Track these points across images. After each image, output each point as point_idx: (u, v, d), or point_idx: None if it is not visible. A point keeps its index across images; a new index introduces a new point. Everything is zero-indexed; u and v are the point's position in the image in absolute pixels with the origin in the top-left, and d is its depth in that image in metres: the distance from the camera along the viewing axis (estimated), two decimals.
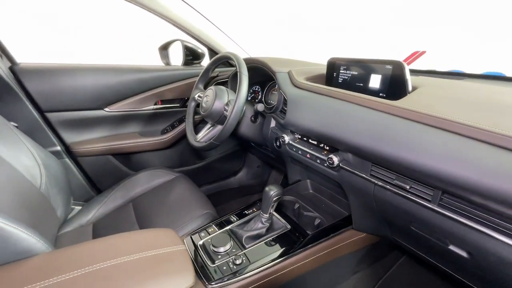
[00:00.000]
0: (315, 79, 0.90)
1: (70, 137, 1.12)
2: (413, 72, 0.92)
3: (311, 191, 1.00)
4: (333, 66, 0.85)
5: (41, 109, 1.03)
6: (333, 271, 0.84)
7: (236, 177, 1.64)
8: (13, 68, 0.98)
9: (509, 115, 0.45)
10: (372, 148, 0.56)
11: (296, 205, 0.88)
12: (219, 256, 0.65)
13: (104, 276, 0.49)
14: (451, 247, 0.52)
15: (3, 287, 0.46)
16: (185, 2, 1.14)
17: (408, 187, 0.53)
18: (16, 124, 0.92)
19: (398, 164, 0.52)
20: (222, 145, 1.46)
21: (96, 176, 1.20)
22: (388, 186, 0.57)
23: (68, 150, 1.12)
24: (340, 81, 0.85)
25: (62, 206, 0.91)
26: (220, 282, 0.59)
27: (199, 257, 0.66)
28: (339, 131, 0.64)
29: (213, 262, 0.64)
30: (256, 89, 1.24)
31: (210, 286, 0.58)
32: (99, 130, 1.19)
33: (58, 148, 1.09)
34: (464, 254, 0.51)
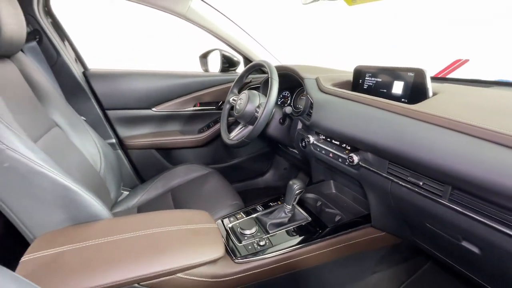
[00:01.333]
0: (342, 85, 0.96)
1: (123, 132, 1.31)
2: (439, 79, 0.94)
3: (334, 191, 1.05)
4: (360, 73, 0.91)
5: (103, 107, 1.23)
6: (352, 267, 0.87)
7: (263, 178, 1.73)
8: (85, 73, 1.19)
9: None
10: (388, 147, 0.61)
11: (319, 203, 0.94)
12: (245, 238, 0.74)
13: (153, 238, 0.61)
14: (464, 243, 0.55)
15: (79, 239, 0.59)
16: (224, 15, 1.28)
17: (421, 183, 0.57)
18: (84, 118, 1.11)
19: (410, 161, 0.56)
20: (252, 146, 1.57)
21: (141, 167, 1.38)
22: (403, 183, 0.61)
23: (121, 143, 1.31)
24: (366, 87, 0.90)
25: (114, 190, 1.07)
26: (245, 258, 0.68)
27: (228, 237, 0.75)
28: (360, 131, 0.70)
29: (240, 242, 0.72)
30: (286, 94, 1.32)
31: (237, 260, 0.67)
32: (146, 127, 1.36)
33: (114, 140, 1.28)
34: (475, 250, 0.53)
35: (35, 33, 1.01)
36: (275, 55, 1.47)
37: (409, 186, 0.60)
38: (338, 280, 0.86)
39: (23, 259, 0.55)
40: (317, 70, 1.12)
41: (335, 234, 0.77)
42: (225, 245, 0.71)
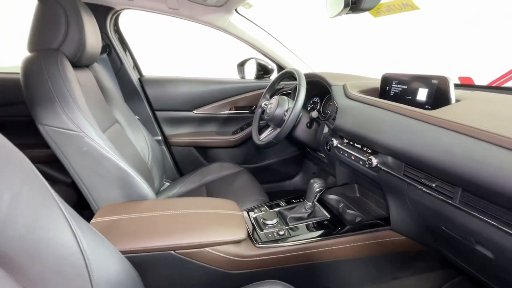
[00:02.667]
0: (369, 92, 1.00)
1: (168, 130, 1.49)
2: (471, 87, 0.92)
3: (358, 195, 1.07)
4: (387, 80, 0.94)
5: (153, 108, 1.43)
6: (370, 268, 0.89)
7: (292, 181, 1.78)
8: (141, 79, 1.40)
9: None
10: (404, 150, 0.65)
11: (341, 204, 0.98)
12: (267, 227, 0.82)
13: (188, 217, 0.72)
14: (478, 247, 0.56)
15: (130, 212, 0.73)
16: (260, 27, 1.39)
17: (434, 185, 0.59)
18: (138, 117, 1.30)
19: (423, 163, 0.59)
20: (282, 149, 1.65)
21: (181, 162, 1.54)
22: (417, 185, 0.64)
23: (165, 140, 1.49)
24: (392, 94, 0.93)
25: (158, 180, 1.24)
26: (265, 244, 0.75)
27: (251, 224, 0.84)
28: (379, 135, 0.74)
29: (262, 230, 0.81)
30: (316, 100, 1.38)
31: (257, 245, 0.75)
32: (188, 127, 1.53)
33: (160, 137, 1.46)
34: (489, 254, 0.54)
35: (106, 47, 1.24)
36: (307, 62, 1.54)
37: (423, 188, 0.62)
38: (355, 279, 0.89)
39: (90, 222, 0.70)
40: (346, 77, 1.17)
41: (352, 232, 0.81)
42: (248, 231, 0.79)
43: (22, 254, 0.38)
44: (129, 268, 0.55)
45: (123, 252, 0.55)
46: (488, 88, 0.87)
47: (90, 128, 0.74)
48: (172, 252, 0.66)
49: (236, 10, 1.25)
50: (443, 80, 0.72)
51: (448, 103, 0.70)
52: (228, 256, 0.70)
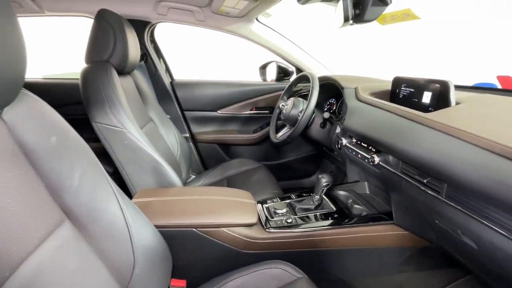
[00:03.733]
0: (379, 94, 1.05)
1: (195, 128, 1.65)
2: (480, 89, 0.93)
3: (367, 192, 1.12)
4: (397, 83, 0.99)
5: (182, 108, 1.60)
6: (375, 259, 0.95)
7: (309, 179, 1.86)
8: (172, 82, 1.57)
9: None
10: (400, 148, 0.71)
11: (349, 200, 1.05)
12: (277, 215, 0.92)
13: (208, 202, 0.85)
14: (464, 239, 0.61)
15: (161, 195, 0.88)
16: (279, 33, 1.49)
17: (425, 181, 0.65)
18: (169, 116, 1.47)
19: (415, 160, 0.65)
20: (300, 148, 1.73)
21: (206, 157, 1.70)
22: (412, 181, 0.70)
23: (192, 137, 1.65)
24: (401, 97, 0.97)
25: (185, 172, 1.39)
26: (274, 229, 0.86)
27: (263, 213, 0.95)
28: (380, 134, 0.80)
29: (272, 218, 0.91)
30: (332, 101, 1.45)
31: (267, 230, 0.85)
32: (212, 125, 1.68)
33: (187, 135, 1.63)
34: (473, 245, 0.59)
35: (144, 56, 1.42)
36: (325, 65, 1.60)
37: (416, 183, 0.68)
38: (359, 269, 0.95)
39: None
40: (360, 80, 1.22)
41: (356, 224, 0.88)
42: (259, 217, 0.90)
43: (85, 216, 0.53)
44: (160, 238, 0.69)
45: (156, 226, 0.69)
46: (497, 90, 0.89)
47: (131, 125, 0.90)
48: (194, 229, 0.79)
49: (256, 19, 1.37)
50: (444, 84, 0.77)
51: (448, 106, 0.75)
52: (241, 237, 0.82)
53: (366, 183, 1.13)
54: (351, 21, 0.76)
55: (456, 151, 0.56)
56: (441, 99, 0.78)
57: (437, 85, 0.79)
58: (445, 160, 0.58)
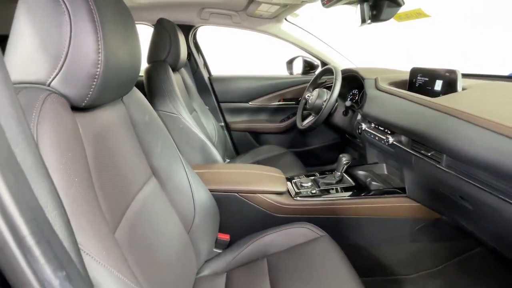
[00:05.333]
0: (398, 84, 1.16)
1: (229, 118, 1.86)
2: (487, 77, 1.02)
3: (386, 173, 1.25)
4: (414, 73, 1.10)
5: (218, 100, 1.81)
6: (390, 229, 1.08)
7: (333, 166, 1.99)
8: (210, 77, 1.79)
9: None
10: (410, 128, 0.84)
11: (368, 178, 1.18)
12: (303, 187, 1.09)
13: (249, 174, 1.05)
14: (462, 202, 0.74)
15: (208, 168, 1.09)
16: (306, 30, 1.63)
17: (429, 154, 0.78)
18: (208, 107, 1.69)
19: (421, 137, 0.78)
20: (325, 136, 1.87)
21: (238, 144, 1.91)
22: (419, 155, 0.83)
23: (227, 126, 1.87)
24: (417, 86, 1.08)
25: (221, 156, 1.61)
26: (300, 197, 1.03)
27: (291, 186, 1.12)
28: (394, 117, 0.94)
29: (299, 189, 1.08)
30: (355, 92, 1.56)
31: (294, 198, 1.03)
32: (244, 115, 1.88)
33: (223, 124, 1.84)
34: (469, 206, 0.72)
35: (188, 55, 1.65)
36: (349, 57, 1.72)
37: (423, 157, 0.81)
38: (376, 236, 1.09)
39: None
40: (380, 71, 1.33)
41: (372, 196, 1.02)
42: (288, 188, 1.08)
43: (164, 175, 0.74)
44: (212, 199, 0.89)
45: (209, 190, 0.90)
46: (504, 77, 0.97)
47: (184, 112, 1.12)
48: (237, 194, 0.99)
49: (285, 19, 1.52)
50: (453, 72, 0.88)
51: (455, 91, 0.86)
52: (273, 202, 1.00)
53: (384, 164, 1.25)
54: (369, 21, 0.89)
55: (452, 127, 0.69)
56: (450, 86, 0.89)
57: (447, 74, 0.90)
58: (444, 134, 0.71)
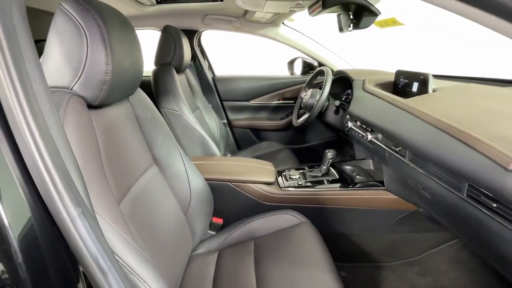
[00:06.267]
0: (384, 85, 1.25)
1: (231, 116, 1.99)
2: (459, 78, 1.09)
3: (371, 168, 1.34)
4: (398, 75, 1.18)
5: (221, 99, 1.94)
6: (371, 219, 1.16)
7: None
8: (213, 78, 1.92)
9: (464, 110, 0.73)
10: (382, 126, 0.93)
11: (354, 173, 1.28)
12: (290, 179, 1.20)
13: (242, 165, 1.17)
14: (423, 192, 0.83)
15: (206, 160, 1.22)
16: (303, 34, 1.72)
17: (397, 149, 0.87)
18: (211, 105, 1.83)
19: (388, 133, 0.88)
20: (322, 134, 1.96)
21: (239, 140, 2.03)
22: (389, 150, 0.92)
23: (229, 123, 1.99)
24: (400, 87, 1.17)
25: (223, 151, 1.73)
26: (287, 188, 1.14)
27: (280, 177, 1.23)
28: (371, 116, 1.03)
29: (287, 180, 1.19)
30: (349, 92, 1.65)
31: (282, 188, 1.14)
32: (245, 113, 2.00)
33: (225, 121, 1.97)
34: (428, 195, 0.81)
35: (193, 57, 1.79)
36: (346, 59, 1.80)
37: (393, 153, 0.90)
38: (358, 226, 1.18)
39: None
40: (370, 73, 1.41)
41: (354, 188, 1.12)
42: (277, 178, 1.19)
43: (164, 163, 0.87)
44: (206, 186, 1.02)
45: (205, 179, 1.03)
46: (474, 79, 1.04)
47: (186, 110, 1.25)
48: (229, 183, 1.11)
49: (283, 23, 1.62)
50: (426, 75, 0.96)
51: (426, 93, 0.94)
52: (262, 191, 1.12)
53: (370, 160, 1.34)
54: (350, 28, 0.99)
55: (411, 125, 0.78)
56: (423, 88, 0.97)
57: (421, 77, 0.99)
58: (405, 132, 0.80)
